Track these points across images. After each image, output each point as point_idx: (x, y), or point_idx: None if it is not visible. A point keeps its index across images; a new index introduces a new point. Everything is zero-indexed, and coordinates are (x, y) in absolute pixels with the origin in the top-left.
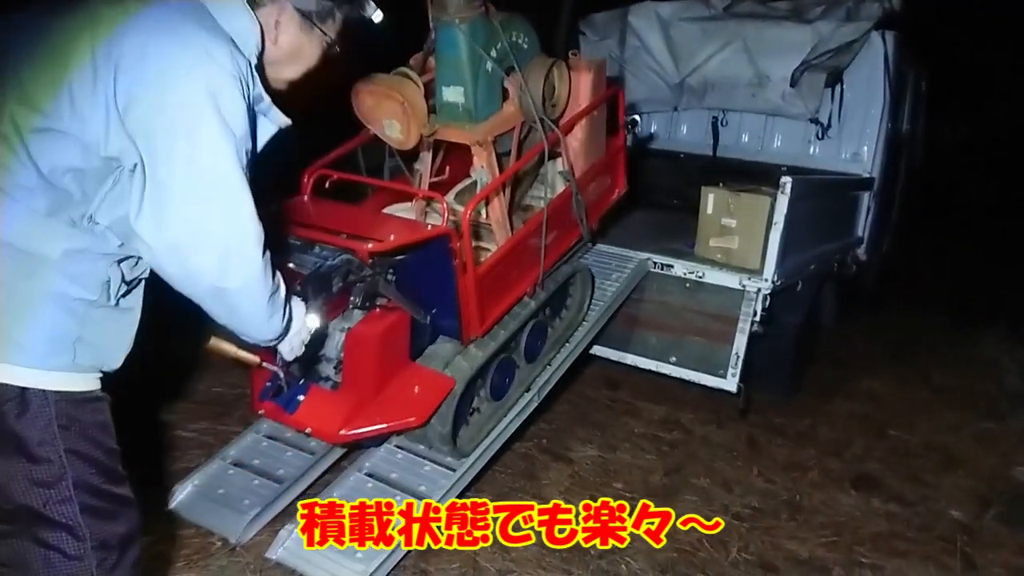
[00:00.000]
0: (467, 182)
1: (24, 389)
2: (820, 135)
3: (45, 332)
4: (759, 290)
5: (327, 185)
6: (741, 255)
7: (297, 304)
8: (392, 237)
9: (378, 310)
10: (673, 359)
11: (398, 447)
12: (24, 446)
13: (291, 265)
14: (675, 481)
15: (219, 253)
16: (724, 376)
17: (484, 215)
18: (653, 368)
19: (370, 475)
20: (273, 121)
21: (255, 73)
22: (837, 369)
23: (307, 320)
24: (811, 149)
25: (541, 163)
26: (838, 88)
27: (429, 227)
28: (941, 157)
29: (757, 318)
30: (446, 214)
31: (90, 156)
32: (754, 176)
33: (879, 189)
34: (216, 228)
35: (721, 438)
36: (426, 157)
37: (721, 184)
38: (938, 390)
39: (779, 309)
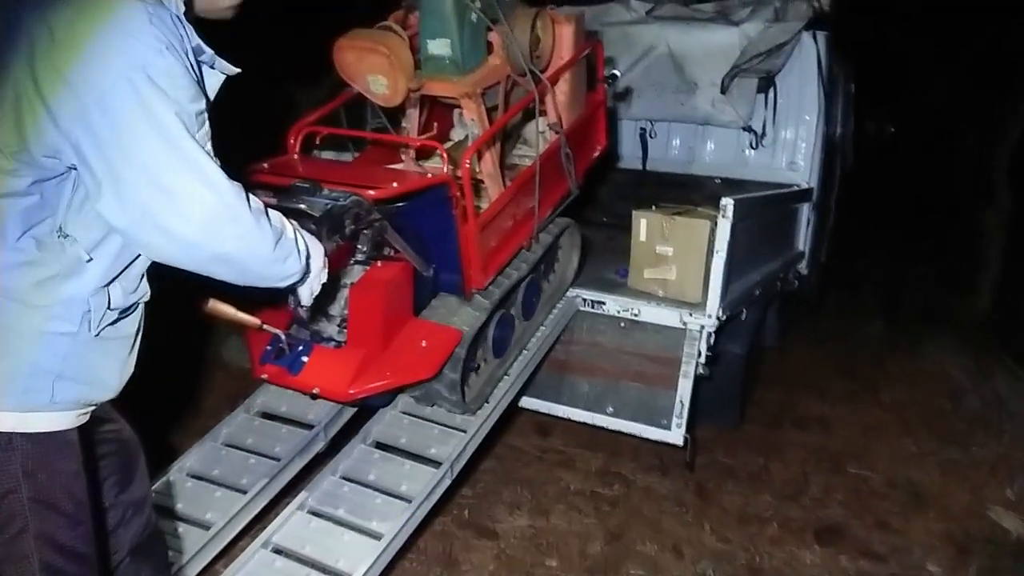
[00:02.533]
0: (450, 144)
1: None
2: (754, 144)
3: (19, 371)
4: (703, 327)
5: (318, 141)
6: (679, 287)
7: (314, 242)
8: (394, 184)
9: (379, 264)
10: (609, 409)
11: (404, 413)
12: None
13: (302, 207)
14: (617, 551)
15: (200, 224)
16: (668, 427)
17: (477, 169)
18: (587, 420)
19: (378, 444)
20: (221, 71)
21: (185, 23)
22: (783, 391)
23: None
24: (746, 159)
25: (525, 121)
26: (771, 93)
27: (429, 176)
28: (869, 156)
29: (702, 359)
30: (446, 163)
31: (35, 162)
32: (687, 188)
33: (818, 198)
34: (187, 203)
35: (666, 488)
36: (412, 114)
37: (654, 207)
38: (890, 408)
39: (723, 340)
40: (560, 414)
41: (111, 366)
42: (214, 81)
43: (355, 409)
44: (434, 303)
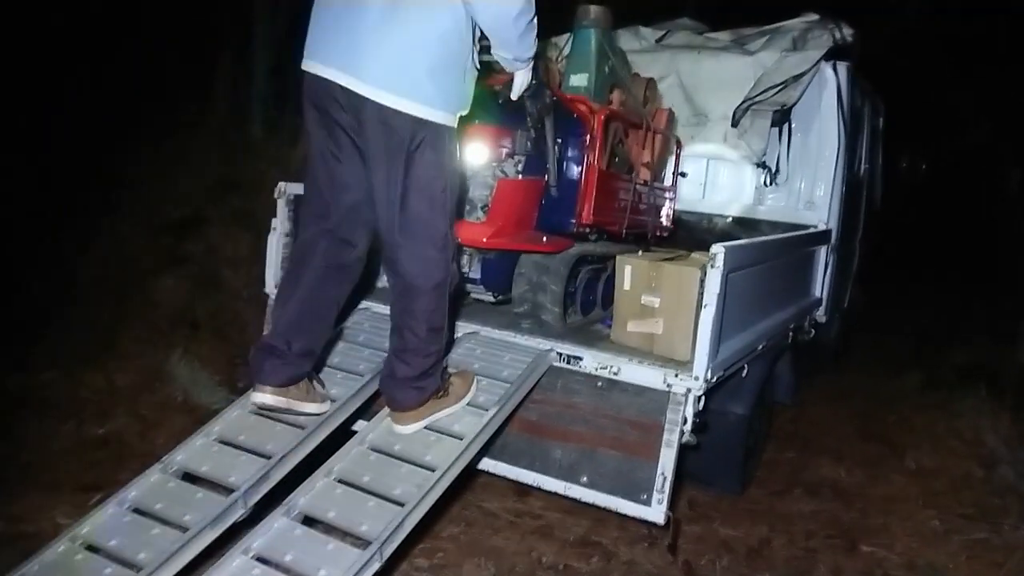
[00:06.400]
0: None
1: (437, 124)
2: (768, 181)
3: (454, 86)
4: (689, 391)
5: None
6: (667, 342)
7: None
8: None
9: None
10: (584, 479)
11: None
12: (432, 166)
13: None
14: None
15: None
16: (648, 502)
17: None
18: (560, 490)
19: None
20: None
21: None
22: (795, 451)
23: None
24: (760, 197)
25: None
26: (786, 127)
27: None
28: (903, 196)
29: (688, 426)
30: (590, 108)
31: None
32: (696, 227)
33: (838, 240)
34: None
35: (652, 564)
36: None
37: (641, 251)
38: (914, 476)
39: (723, 398)
40: (530, 482)
41: (471, 91)
42: None
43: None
44: None
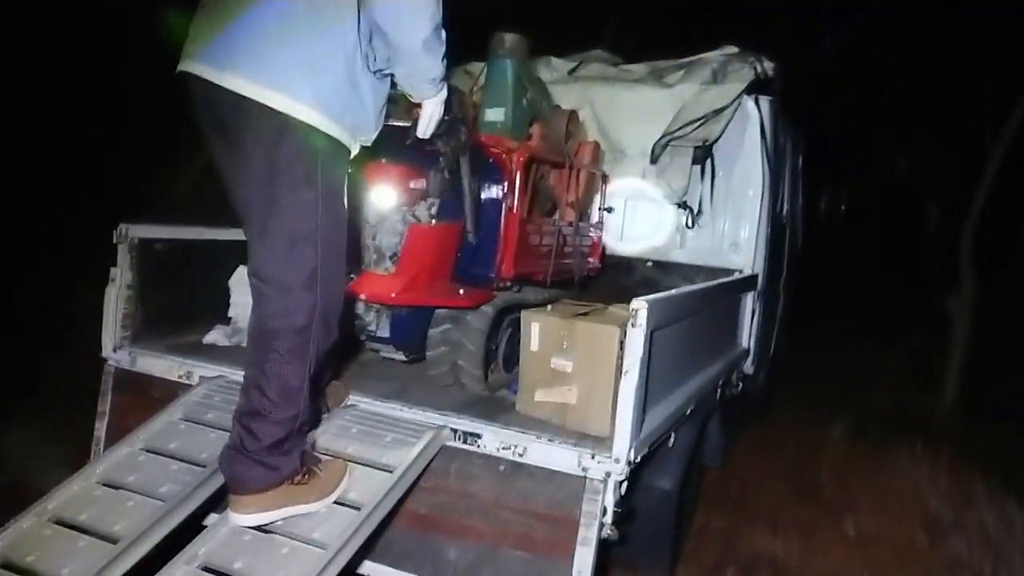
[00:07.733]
0: None
1: (310, 128)
2: (690, 222)
3: (339, 91)
4: (608, 475)
5: None
6: (582, 415)
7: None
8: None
9: (434, 223)
10: None
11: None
12: (299, 184)
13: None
14: None
15: (421, 11)
16: None
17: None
18: None
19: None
20: None
21: None
22: (726, 518)
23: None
24: (681, 239)
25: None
26: (708, 165)
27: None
28: (824, 234)
29: (608, 518)
30: (505, 150)
31: None
32: (614, 271)
33: (763, 285)
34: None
35: None
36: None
37: (550, 306)
38: (855, 544)
39: (649, 473)
40: None
41: (374, 111)
42: None
43: None
44: None
